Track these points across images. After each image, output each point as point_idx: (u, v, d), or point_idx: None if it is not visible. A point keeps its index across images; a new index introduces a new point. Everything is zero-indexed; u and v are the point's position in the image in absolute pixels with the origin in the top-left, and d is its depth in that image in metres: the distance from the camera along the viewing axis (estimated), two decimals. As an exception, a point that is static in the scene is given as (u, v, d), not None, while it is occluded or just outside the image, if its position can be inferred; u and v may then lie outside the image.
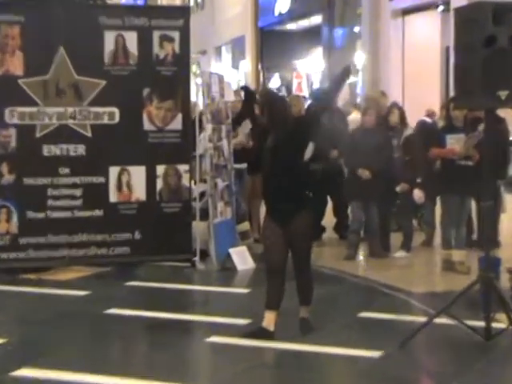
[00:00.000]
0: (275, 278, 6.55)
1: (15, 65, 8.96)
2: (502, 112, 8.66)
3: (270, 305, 6.53)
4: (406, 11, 17.30)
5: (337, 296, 8.26)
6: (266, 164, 6.60)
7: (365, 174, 9.49)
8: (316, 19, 21.05)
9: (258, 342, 6.37)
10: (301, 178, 6.61)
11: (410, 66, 17.32)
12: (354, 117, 12.34)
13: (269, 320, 6.46)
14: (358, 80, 19.17)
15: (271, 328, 6.44)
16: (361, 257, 9.93)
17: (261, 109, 6.65)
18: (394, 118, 9.95)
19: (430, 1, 16.47)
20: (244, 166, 10.75)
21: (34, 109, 9.00)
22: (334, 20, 19.95)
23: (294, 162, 6.53)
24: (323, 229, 11.11)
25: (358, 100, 17.56)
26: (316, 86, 21.62)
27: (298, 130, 6.61)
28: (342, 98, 19.06)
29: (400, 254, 9.91)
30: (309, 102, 12.40)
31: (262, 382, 5.69)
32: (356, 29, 19.30)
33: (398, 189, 9.73)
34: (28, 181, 8.94)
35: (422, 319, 6.58)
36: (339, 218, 11.06)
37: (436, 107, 12.72)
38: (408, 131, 10.00)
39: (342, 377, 5.90)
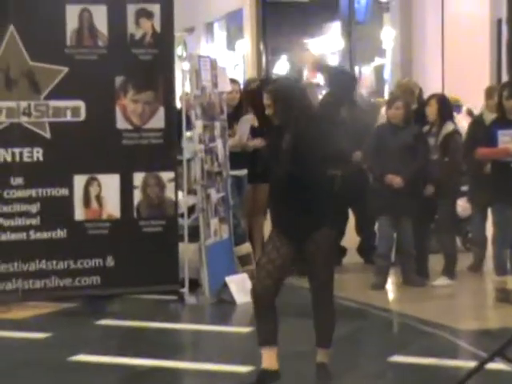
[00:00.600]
0: (263, 310, 6.59)
1: (-47, 48, 9.04)
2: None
3: (266, 340, 6.55)
4: (446, -25, 17.35)
5: (363, 335, 8.26)
6: (280, 169, 6.61)
7: (395, 181, 9.49)
8: (333, -13, 21.15)
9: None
10: (324, 187, 6.68)
11: (451, 45, 17.30)
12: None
13: (269, 358, 6.48)
14: (385, 63, 19.22)
15: (275, 367, 6.45)
16: (392, 286, 9.92)
17: (272, 101, 6.63)
18: (432, 111, 9.94)
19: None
20: (244, 172, 10.75)
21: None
22: (356, -12, 20.04)
23: (317, 167, 6.58)
24: (344, 251, 11.12)
25: (386, 88, 17.60)
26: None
27: (321, 129, 6.64)
28: (365, 86, 19.15)
29: (441, 281, 9.90)
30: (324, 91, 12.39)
31: None
32: (382, -1, 19.37)
33: (426, 192, 9.73)
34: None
35: (472, 364, 6.56)
36: (364, 236, 11.05)
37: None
38: (449, 127, 9.94)
39: None
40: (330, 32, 22.48)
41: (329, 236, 6.65)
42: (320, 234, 6.52)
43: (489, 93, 10.82)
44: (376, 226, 10.16)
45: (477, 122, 10.43)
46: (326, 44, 22.79)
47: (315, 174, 6.57)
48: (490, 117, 9.97)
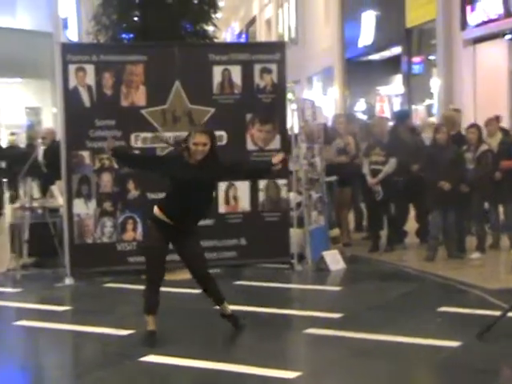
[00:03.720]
0: None
1: (139, 97, 9.12)
2: None
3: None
4: (477, 40, 16.98)
5: (419, 293, 8.13)
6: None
7: (446, 186, 9.31)
8: (396, 50, 20.87)
9: (351, 333, 6.33)
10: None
11: (481, 89, 16.97)
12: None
13: None
14: (433, 103, 18.90)
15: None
16: (439, 258, 9.73)
17: (210, 140, 6.14)
18: (473, 137, 9.80)
19: (498, 30, 16.10)
20: (333, 178, 10.71)
21: (154, 134, 9.14)
22: (412, 50, 19.73)
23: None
24: (406, 233, 10.99)
25: (434, 119, 17.30)
26: (396, 108, 21.35)
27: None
28: (419, 119, 18.87)
29: (475, 255, 9.69)
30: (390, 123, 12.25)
31: (355, 368, 5.63)
32: (431, 57, 19.04)
33: (462, 190, 9.54)
34: (151, 195, 9.02)
35: (497, 313, 6.41)
36: (420, 223, 10.90)
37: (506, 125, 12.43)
38: (484, 147, 9.81)
39: (426, 364, 5.79)
40: (394, 81, 22.22)
41: None
42: None
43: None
44: (429, 217, 9.97)
45: (502, 142, 10.23)
46: (391, 90, 22.54)
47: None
48: None
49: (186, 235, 6.32)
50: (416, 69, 19.97)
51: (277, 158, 6.44)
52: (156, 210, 6.24)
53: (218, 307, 6.61)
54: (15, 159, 13.33)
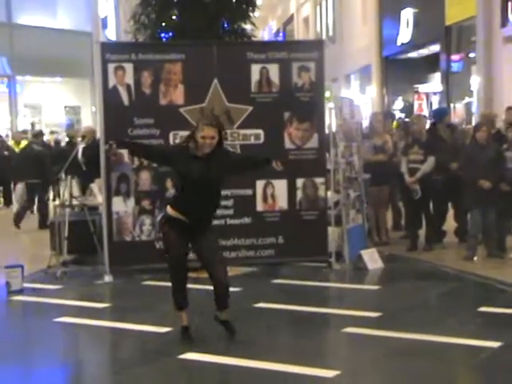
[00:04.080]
0: None
1: (177, 96, 9.16)
2: None
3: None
4: (517, 37, 16.76)
5: (458, 292, 8.04)
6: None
7: (486, 184, 9.20)
8: (434, 47, 20.67)
9: (389, 332, 6.29)
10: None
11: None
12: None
13: None
14: (472, 101, 18.70)
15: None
16: (479, 257, 9.62)
17: (218, 134, 5.93)
18: None
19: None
20: (366, 176, 10.62)
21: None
22: (451, 48, 19.53)
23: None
24: (444, 233, 10.88)
25: (473, 118, 17.12)
26: (435, 106, 21.17)
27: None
28: (458, 116, 18.68)
29: (515, 254, 9.59)
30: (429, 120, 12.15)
31: (393, 368, 5.60)
32: (471, 55, 18.83)
33: (502, 189, 9.41)
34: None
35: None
36: (459, 223, 10.78)
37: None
38: None
39: (466, 364, 5.74)
40: (433, 79, 22.02)
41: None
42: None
43: None
44: (469, 216, 9.86)
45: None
46: (430, 88, 22.34)
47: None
48: None
49: (203, 233, 6.12)
50: (455, 66, 19.76)
51: (276, 165, 6.43)
52: (169, 209, 6.11)
53: (216, 312, 6.34)
54: (55, 158, 13.46)
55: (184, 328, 6.29)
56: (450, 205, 10.85)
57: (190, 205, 5.99)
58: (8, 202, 17.81)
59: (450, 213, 10.95)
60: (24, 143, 17.85)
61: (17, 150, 17.54)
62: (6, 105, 26.59)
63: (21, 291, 8.45)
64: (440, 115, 11.60)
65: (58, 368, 6.01)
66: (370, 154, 10.65)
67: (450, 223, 10.92)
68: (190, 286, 6.38)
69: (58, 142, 19.17)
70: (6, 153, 17.97)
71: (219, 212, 9.00)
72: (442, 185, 10.16)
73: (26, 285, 8.62)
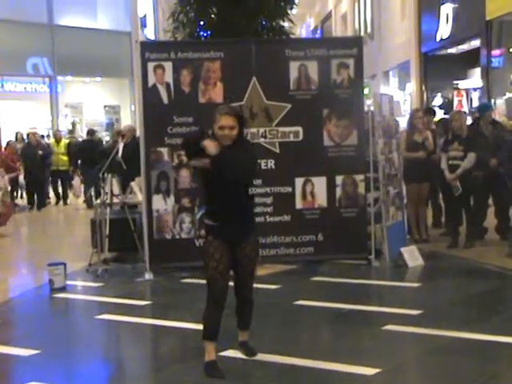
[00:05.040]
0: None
1: (216, 93, 9.18)
2: None
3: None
4: (560, 31, 16.50)
5: (500, 290, 7.94)
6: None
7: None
8: (475, 43, 20.40)
9: (430, 330, 6.23)
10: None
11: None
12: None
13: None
14: (514, 96, 18.45)
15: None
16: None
17: (238, 123, 5.21)
18: None
19: None
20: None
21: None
22: (492, 43, 19.26)
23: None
24: (486, 230, 10.76)
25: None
26: (475, 102, 20.92)
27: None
28: (499, 113, 18.44)
29: (559, 252, 9.41)
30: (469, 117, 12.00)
31: (434, 366, 5.53)
32: (512, 50, 18.58)
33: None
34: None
35: None
36: (501, 220, 10.64)
37: None
38: None
39: (509, 362, 5.65)
40: (473, 75, 21.76)
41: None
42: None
43: None
44: (510, 212, 9.72)
45: None
46: (470, 84, 22.08)
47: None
48: None
49: (243, 244, 5.45)
50: (496, 62, 19.48)
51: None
52: (206, 220, 5.49)
53: (239, 332, 5.87)
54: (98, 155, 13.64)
55: (211, 363, 5.46)
56: (490, 201, 10.72)
57: (222, 209, 5.35)
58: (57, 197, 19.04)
59: (491, 210, 10.81)
60: (64, 142, 18.41)
61: (55, 148, 18.17)
62: (48, 105, 26.95)
63: (63, 289, 8.54)
64: (482, 110, 11.45)
65: (99, 365, 6.06)
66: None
67: (491, 220, 10.78)
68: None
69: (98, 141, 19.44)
70: (40, 152, 18.30)
71: (259, 209, 9.05)
72: (483, 181, 10.04)
73: (68, 282, 8.72)
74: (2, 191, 13.72)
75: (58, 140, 19.13)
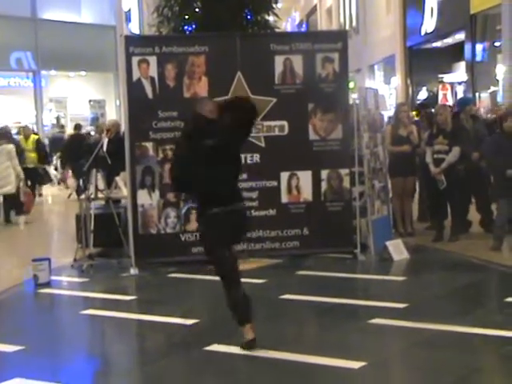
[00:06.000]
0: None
1: (201, 88, 9.16)
2: None
3: None
4: (544, 25, 16.54)
5: (485, 283, 8.00)
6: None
7: (513, 174, 9.14)
8: (459, 36, 20.48)
9: (416, 323, 6.26)
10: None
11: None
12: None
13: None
14: (498, 90, 18.52)
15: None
16: (505, 248, 9.53)
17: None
18: None
19: None
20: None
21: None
22: (476, 36, 19.34)
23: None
24: (470, 223, 10.81)
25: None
26: (460, 96, 20.99)
27: None
28: (483, 107, 18.52)
29: (543, 245, 9.49)
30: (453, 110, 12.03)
31: (419, 359, 5.56)
32: (496, 43, 18.64)
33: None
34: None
35: None
36: (483, 213, 10.70)
37: None
38: None
39: (493, 355, 5.70)
40: (458, 69, 21.84)
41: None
42: None
43: None
44: (495, 206, 9.77)
45: None
46: (455, 77, 22.16)
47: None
48: None
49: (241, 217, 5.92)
50: (480, 55, 19.57)
51: None
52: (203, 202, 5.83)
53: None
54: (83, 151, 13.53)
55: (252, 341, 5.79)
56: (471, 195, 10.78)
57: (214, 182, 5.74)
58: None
59: (472, 203, 10.87)
60: (33, 138, 17.49)
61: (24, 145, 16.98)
62: (32, 99, 26.81)
63: (48, 284, 8.52)
64: (462, 104, 11.51)
65: (85, 360, 6.05)
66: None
67: (475, 214, 10.84)
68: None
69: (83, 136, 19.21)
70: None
71: (244, 204, 9.04)
72: (464, 175, 10.09)
73: (53, 278, 8.69)
74: (21, 181, 13.86)
75: (26, 137, 17.52)
